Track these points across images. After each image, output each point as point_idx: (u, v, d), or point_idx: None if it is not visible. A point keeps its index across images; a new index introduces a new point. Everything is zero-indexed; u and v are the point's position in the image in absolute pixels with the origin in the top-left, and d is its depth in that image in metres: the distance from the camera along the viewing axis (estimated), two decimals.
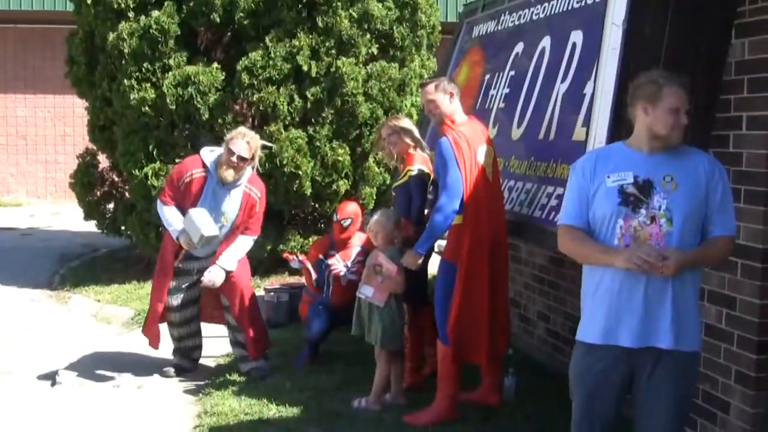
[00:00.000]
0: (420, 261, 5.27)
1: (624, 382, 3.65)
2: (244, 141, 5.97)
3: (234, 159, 5.93)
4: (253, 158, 6.05)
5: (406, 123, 5.81)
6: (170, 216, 6.09)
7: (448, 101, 5.22)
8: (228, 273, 6.12)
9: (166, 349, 6.59)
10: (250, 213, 6.14)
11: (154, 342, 6.45)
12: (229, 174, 5.97)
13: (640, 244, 3.49)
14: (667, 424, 3.61)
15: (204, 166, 6.05)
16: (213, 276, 6.10)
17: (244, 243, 6.22)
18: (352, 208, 6.52)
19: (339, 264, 6.32)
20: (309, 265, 6.51)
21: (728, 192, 3.61)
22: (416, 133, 5.81)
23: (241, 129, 6.19)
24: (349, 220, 6.37)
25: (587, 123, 4.73)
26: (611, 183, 3.57)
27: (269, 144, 7.74)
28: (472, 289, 5.07)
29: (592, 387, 3.68)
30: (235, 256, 6.17)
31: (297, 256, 6.69)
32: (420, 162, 5.70)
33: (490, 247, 5.09)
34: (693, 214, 3.52)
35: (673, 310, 3.51)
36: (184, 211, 6.04)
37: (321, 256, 6.49)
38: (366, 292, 5.48)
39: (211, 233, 5.93)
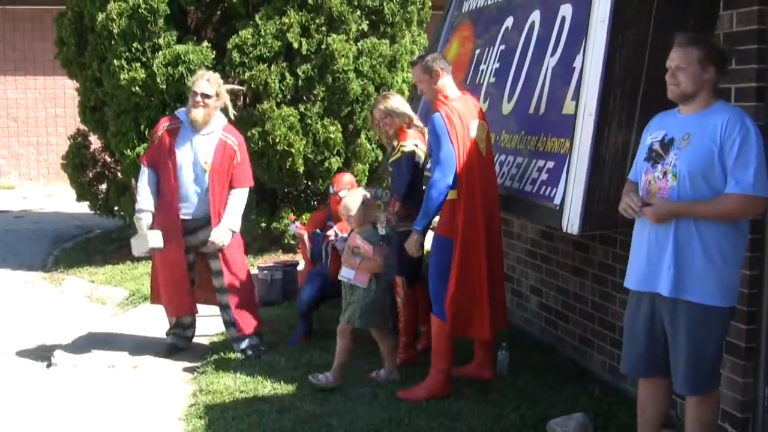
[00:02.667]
0: (422, 239, 5.25)
1: (649, 326, 3.88)
2: (204, 79, 6.09)
3: (198, 98, 6.01)
4: (218, 96, 6.10)
5: (396, 102, 5.80)
6: (142, 191, 6.10)
7: (436, 81, 5.21)
8: (233, 232, 6.11)
9: (160, 329, 6.61)
10: (230, 163, 6.10)
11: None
12: (198, 114, 6.02)
13: (651, 196, 3.77)
14: (683, 374, 3.78)
15: (176, 118, 6.16)
16: (220, 235, 6.03)
17: (240, 197, 6.18)
18: (347, 178, 6.61)
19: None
20: (306, 236, 6.54)
21: (749, 149, 3.58)
22: (408, 110, 5.81)
23: (201, 71, 6.40)
24: (346, 191, 6.39)
25: (576, 96, 4.73)
26: (648, 141, 3.91)
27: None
28: (469, 264, 5.07)
29: (626, 325, 4.05)
30: (235, 213, 6.13)
31: (300, 223, 6.72)
32: (414, 137, 5.71)
33: (484, 222, 5.09)
34: (699, 170, 3.65)
35: (674, 258, 3.70)
36: (162, 173, 6.06)
37: (318, 230, 6.53)
38: (347, 275, 5.46)
39: (158, 245, 6.00)
